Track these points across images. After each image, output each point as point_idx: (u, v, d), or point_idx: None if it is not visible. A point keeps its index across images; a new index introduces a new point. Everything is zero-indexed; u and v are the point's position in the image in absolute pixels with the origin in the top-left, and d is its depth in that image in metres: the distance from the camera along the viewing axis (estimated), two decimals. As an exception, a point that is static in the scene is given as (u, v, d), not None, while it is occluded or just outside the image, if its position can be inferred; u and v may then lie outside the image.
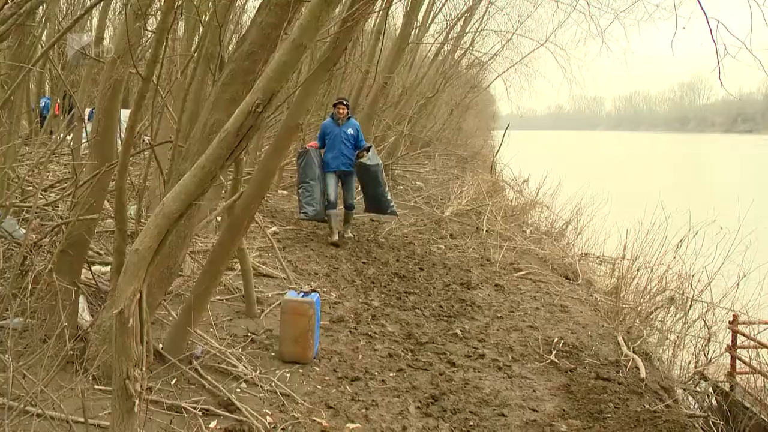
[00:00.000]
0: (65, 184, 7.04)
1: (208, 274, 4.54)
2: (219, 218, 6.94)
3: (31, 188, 6.57)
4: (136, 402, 2.75)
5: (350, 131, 9.12)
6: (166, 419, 3.69)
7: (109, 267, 5.17)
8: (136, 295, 2.69)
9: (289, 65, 2.49)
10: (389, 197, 9.49)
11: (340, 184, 9.35)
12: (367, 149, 9.23)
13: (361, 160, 9.06)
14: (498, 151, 20.89)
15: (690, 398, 6.53)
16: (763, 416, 6.16)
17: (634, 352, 5.77)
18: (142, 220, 5.17)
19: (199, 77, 5.13)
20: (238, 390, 4.26)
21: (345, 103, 9.21)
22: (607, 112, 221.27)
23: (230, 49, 6.54)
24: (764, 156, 57.98)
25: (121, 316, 2.66)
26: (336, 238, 8.91)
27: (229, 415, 3.89)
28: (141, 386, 2.78)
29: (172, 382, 4.16)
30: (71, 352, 3.98)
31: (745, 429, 5.86)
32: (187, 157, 4.14)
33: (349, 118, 9.17)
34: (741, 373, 6.97)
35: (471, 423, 4.23)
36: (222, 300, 5.97)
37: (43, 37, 7.71)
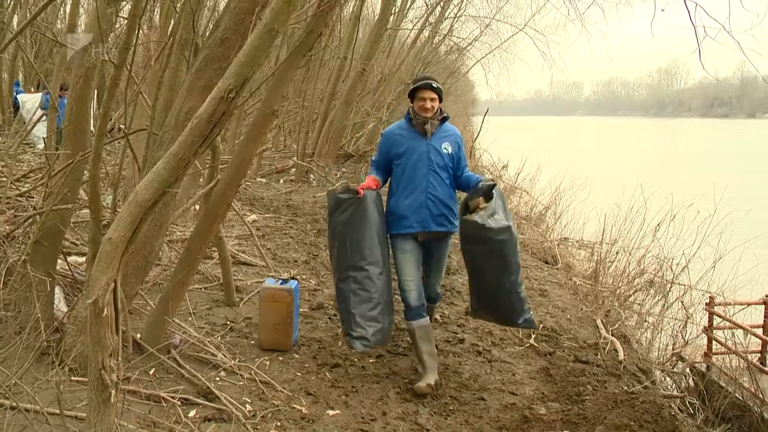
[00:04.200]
0: (39, 174, 6.96)
1: (186, 263, 4.51)
2: (196, 206, 6.90)
3: (3, 178, 6.49)
4: (113, 392, 2.73)
5: (446, 147, 4.67)
6: (144, 409, 3.66)
7: (86, 257, 5.12)
8: (111, 285, 2.67)
9: (261, 50, 2.46)
10: (523, 294, 4.66)
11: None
12: (488, 192, 4.56)
13: (475, 217, 4.46)
14: (477, 136, 20.90)
15: (668, 379, 6.61)
16: (737, 395, 6.27)
17: (612, 335, 5.82)
18: (118, 210, 5.12)
19: (174, 64, 5.07)
20: (218, 378, 4.23)
21: (434, 86, 4.64)
22: (586, 97, 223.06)
23: (206, 35, 6.47)
24: (740, 140, 58.67)
25: (95, 306, 2.63)
26: (433, 379, 4.46)
27: (208, 403, 3.87)
28: (117, 376, 2.76)
29: (151, 372, 4.14)
30: (46, 344, 3.94)
31: (721, 407, 5.95)
32: (162, 145, 4.10)
33: (443, 119, 4.74)
34: (717, 354, 7.08)
35: (451, 407, 4.24)
36: (200, 289, 5.94)
37: (14, 24, 7.59)
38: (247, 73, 2.45)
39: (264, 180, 13.45)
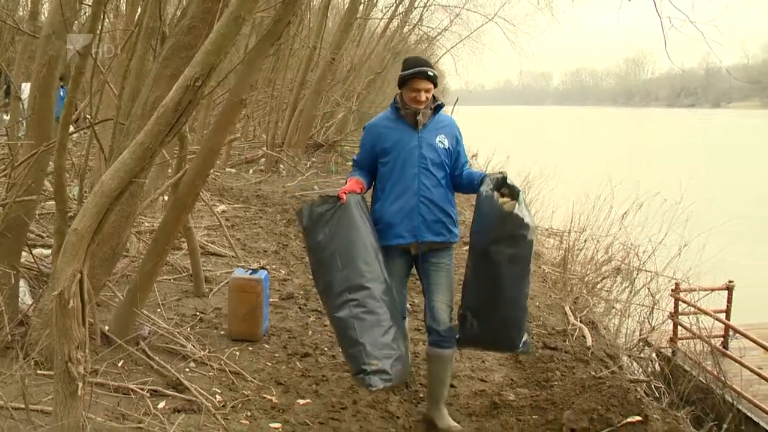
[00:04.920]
0: (1, 165, 6.83)
1: (154, 254, 4.46)
2: (165, 197, 6.83)
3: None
4: (80, 385, 2.71)
5: (441, 141, 3.92)
6: (113, 401, 3.63)
7: (51, 249, 5.05)
8: (77, 276, 2.64)
9: (228, 38, 2.44)
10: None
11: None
12: (500, 186, 3.75)
13: (517, 210, 3.61)
14: (447, 126, 20.98)
15: (634, 364, 6.73)
16: (701, 378, 6.43)
17: (581, 322, 5.90)
18: (84, 201, 5.06)
19: (140, 53, 5.01)
20: (187, 370, 4.21)
21: (431, 74, 3.85)
22: (555, 86, 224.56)
23: (173, 23, 6.40)
24: (705, 130, 59.63)
25: (61, 298, 2.60)
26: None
27: (177, 395, 3.84)
28: (84, 369, 2.73)
29: (119, 364, 4.10)
30: (11, 337, 3.89)
31: (685, 391, 6.10)
32: (128, 135, 4.05)
33: (437, 109, 3.96)
34: (682, 339, 7.24)
35: (421, 395, 4.27)
36: (169, 280, 5.90)
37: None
38: (213, 62, 2.43)
39: (233, 170, 13.36)
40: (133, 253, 6.06)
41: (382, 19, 19.86)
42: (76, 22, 4.67)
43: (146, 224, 6.96)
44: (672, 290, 7.38)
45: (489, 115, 75.70)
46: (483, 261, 3.74)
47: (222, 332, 4.95)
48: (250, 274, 4.90)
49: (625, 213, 8.93)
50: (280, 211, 9.58)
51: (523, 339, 3.87)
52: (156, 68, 4.03)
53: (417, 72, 3.82)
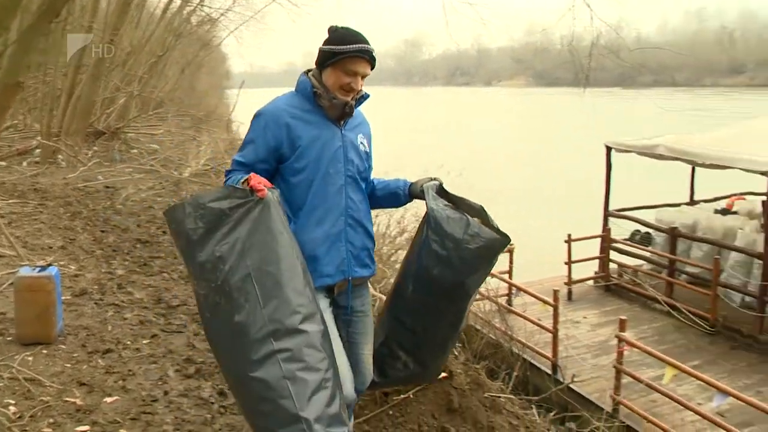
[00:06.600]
0: None
1: None
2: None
3: None
4: None
5: (362, 142, 2.95)
6: None
7: None
8: None
9: (9, 11, 2.25)
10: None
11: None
12: (442, 196, 3.19)
13: (498, 232, 2.96)
14: (233, 109, 20.68)
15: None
16: (491, 335, 7.04)
17: (380, 293, 6.14)
18: None
19: None
20: (-28, 383, 3.86)
21: (375, 55, 2.85)
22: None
23: None
24: (481, 106, 64.09)
25: None
26: None
27: (-37, 411, 3.52)
28: None
29: None
30: None
31: (479, 348, 6.64)
32: None
33: (361, 98, 2.92)
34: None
35: (233, 379, 4.24)
36: (-60, 287, 5.34)
37: None
38: (-8, 40, 2.23)
39: (4, 163, 12.24)
40: None
41: (161, -1, 19.09)
42: None
43: None
44: (462, 256, 7.92)
45: (273, 97, 75.49)
46: (447, 296, 2.93)
47: (9, 338, 4.56)
48: (39, 272, 4.56)
49: (415, 185, 9.41)
50: (62, 204, 8.98)
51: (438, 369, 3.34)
52: None
53: (358, 50, 2.75)
